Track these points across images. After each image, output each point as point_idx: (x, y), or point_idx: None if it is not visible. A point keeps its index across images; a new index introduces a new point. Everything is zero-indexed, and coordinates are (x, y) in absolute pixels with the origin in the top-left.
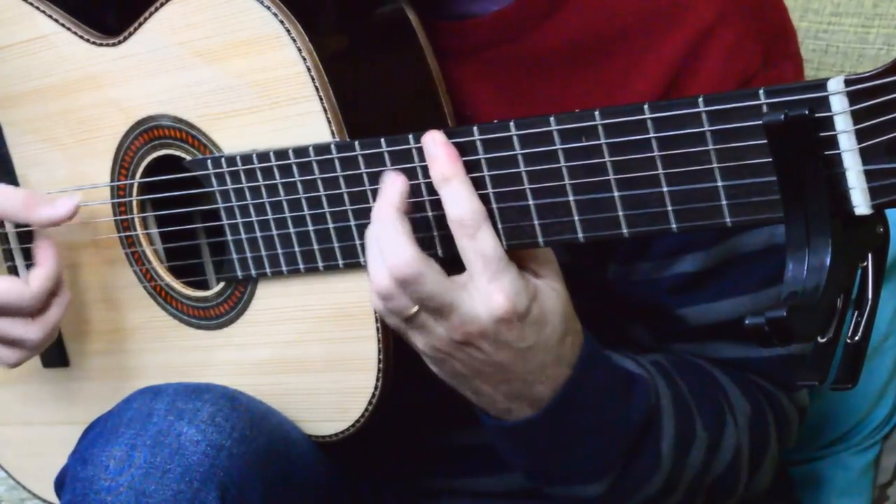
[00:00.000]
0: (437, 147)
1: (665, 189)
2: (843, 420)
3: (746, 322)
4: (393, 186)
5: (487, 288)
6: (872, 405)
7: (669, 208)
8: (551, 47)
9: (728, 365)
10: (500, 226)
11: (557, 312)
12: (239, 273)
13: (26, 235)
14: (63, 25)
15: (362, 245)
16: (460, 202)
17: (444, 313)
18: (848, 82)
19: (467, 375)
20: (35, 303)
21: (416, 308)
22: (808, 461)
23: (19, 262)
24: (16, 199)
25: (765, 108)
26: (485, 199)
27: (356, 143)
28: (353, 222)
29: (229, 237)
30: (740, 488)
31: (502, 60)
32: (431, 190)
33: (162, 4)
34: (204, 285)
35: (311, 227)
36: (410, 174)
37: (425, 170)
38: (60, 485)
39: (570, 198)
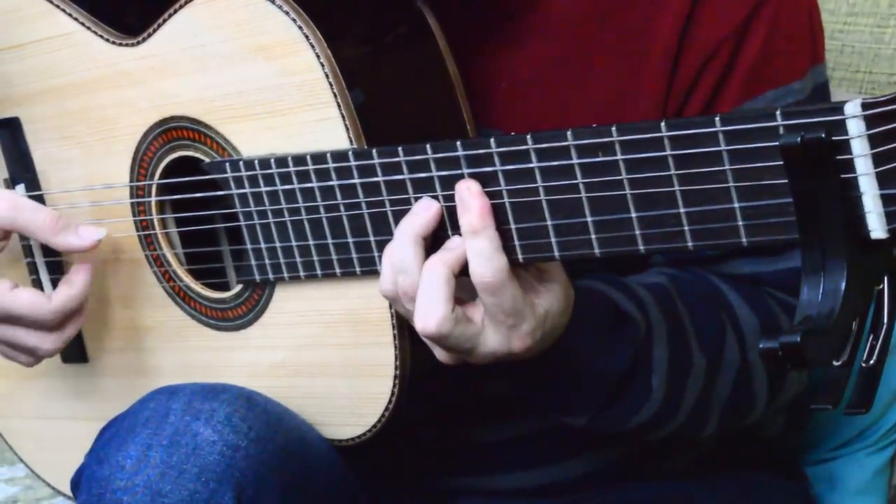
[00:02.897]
0: (472, 198)
1: (682, 210)
2: (858, 420)
3: (760, 347)
4: (425, 213)
5: (508, 335)
6: (888, 404)
7: (686, 227)
8: (569, 9)
9: (743, 280)
10: (516, 242)
11: (559, 313)
12: (257, 276)
13: (50, 249)
14: (83, 24)
15: (380, 255)
16: (485, 260)
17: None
18: (865, 106)
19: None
20: (54, 318)
21: None
22: (824, 461)
23: (44, 276)
24: (43, 218)
25: (781, 130)
26: (502, 212)
27: (374, 151)
28: (370, 230)
29: (247, 240)
30: (759, 406)
31: (524, 31)
32: (448, 199)
33: (182, 6)
34: (223, 286)
35: (328, 234)
36: (427, 184)
37: (442, 180)
38: (76, 484)
39: (588, 218)
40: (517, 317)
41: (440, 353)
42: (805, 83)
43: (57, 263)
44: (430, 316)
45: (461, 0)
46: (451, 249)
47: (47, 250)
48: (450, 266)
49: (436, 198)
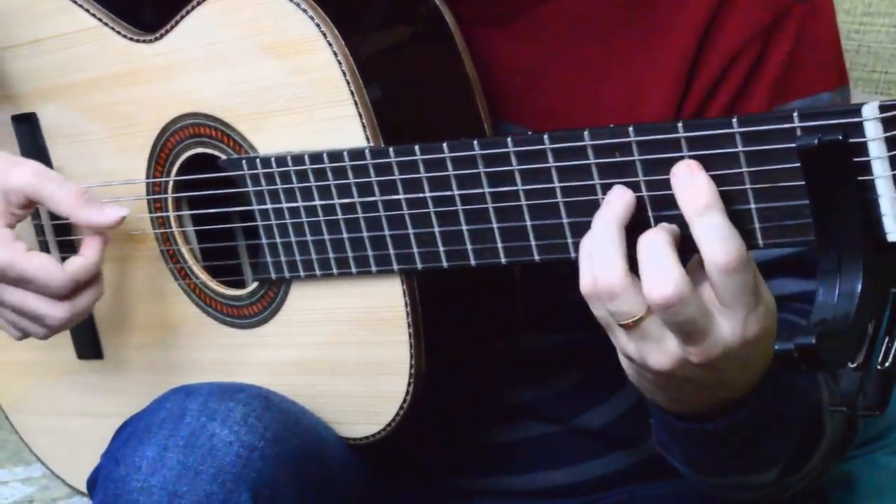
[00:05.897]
0: (695, 175)
1: None
2: (875, 420)
3: (776, 348)
4: (620, 200)
5: (747, 319)
6: None
7: None
8: (589, 6)
9: (791, 300)
10: (533, 242)
11: (776, 322)
12: (272, 274)
13: (62, 228)
14: (100, 20)
15: (396, 253)
16: (724, 239)
17: (690, 335)
18: (883, 108)
19: (677, 388)
20: (65, 285)
21: (641, 313)
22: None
23: (55, 256)
24: (67, 191)
25: (798, 132)
26: (518, 211)
27: (390, 149)
28: (386, 229)
29: (263, 238)
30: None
31: (540, 25)
32: (464, 199)
33: (199, 3)
34: (239, 283)
35: (344, 232)
36: (443, 183)
37: (459, 179)
38: (93, 484)
39: None
40: (755, 295)
41: (672, 347)
42: (834, 98)
43: (69, 243)
44: (666, 278)
45: None
46: (665, 228)
47: (59, 230)
48: (673, 237)
49: (452, 197)
